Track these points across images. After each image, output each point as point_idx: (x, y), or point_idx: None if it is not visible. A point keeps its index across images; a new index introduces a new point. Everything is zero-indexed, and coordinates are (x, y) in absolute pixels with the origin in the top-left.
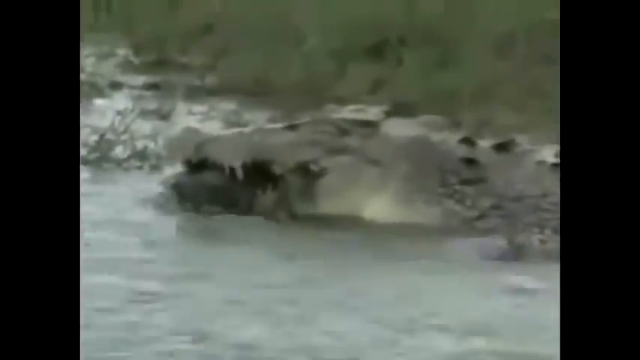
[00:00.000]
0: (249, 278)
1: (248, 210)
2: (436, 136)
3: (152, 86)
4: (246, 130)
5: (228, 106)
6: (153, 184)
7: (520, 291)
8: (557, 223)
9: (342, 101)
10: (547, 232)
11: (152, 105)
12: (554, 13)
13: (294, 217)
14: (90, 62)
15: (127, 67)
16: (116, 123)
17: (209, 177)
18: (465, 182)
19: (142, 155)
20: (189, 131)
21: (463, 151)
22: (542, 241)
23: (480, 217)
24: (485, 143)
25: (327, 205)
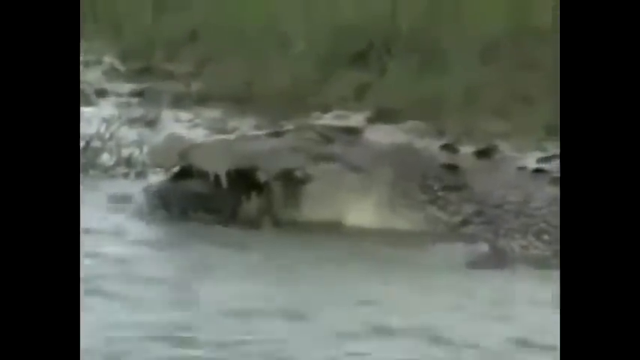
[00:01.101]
0: None
1: (232, 217)
2: (419, 143)
3: (138, 94)
4: (231, 137)
5: (213, 113)
6: (137, 192)
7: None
8: (538, 228)
9: (326, 108)
10: (529, 237)
11: (138, 112)
12: (539, 19)
13: (278, 224)
14: None
15: (113, 74)
16: (102, 130)
17: (193, 184)
18: (448, 188)
19: (127, 162)
20: (173, 138)
21: (445, 157)
22: (524, 247)
23: (463, 223)
24: (467, 149)
25: (311, 211)
